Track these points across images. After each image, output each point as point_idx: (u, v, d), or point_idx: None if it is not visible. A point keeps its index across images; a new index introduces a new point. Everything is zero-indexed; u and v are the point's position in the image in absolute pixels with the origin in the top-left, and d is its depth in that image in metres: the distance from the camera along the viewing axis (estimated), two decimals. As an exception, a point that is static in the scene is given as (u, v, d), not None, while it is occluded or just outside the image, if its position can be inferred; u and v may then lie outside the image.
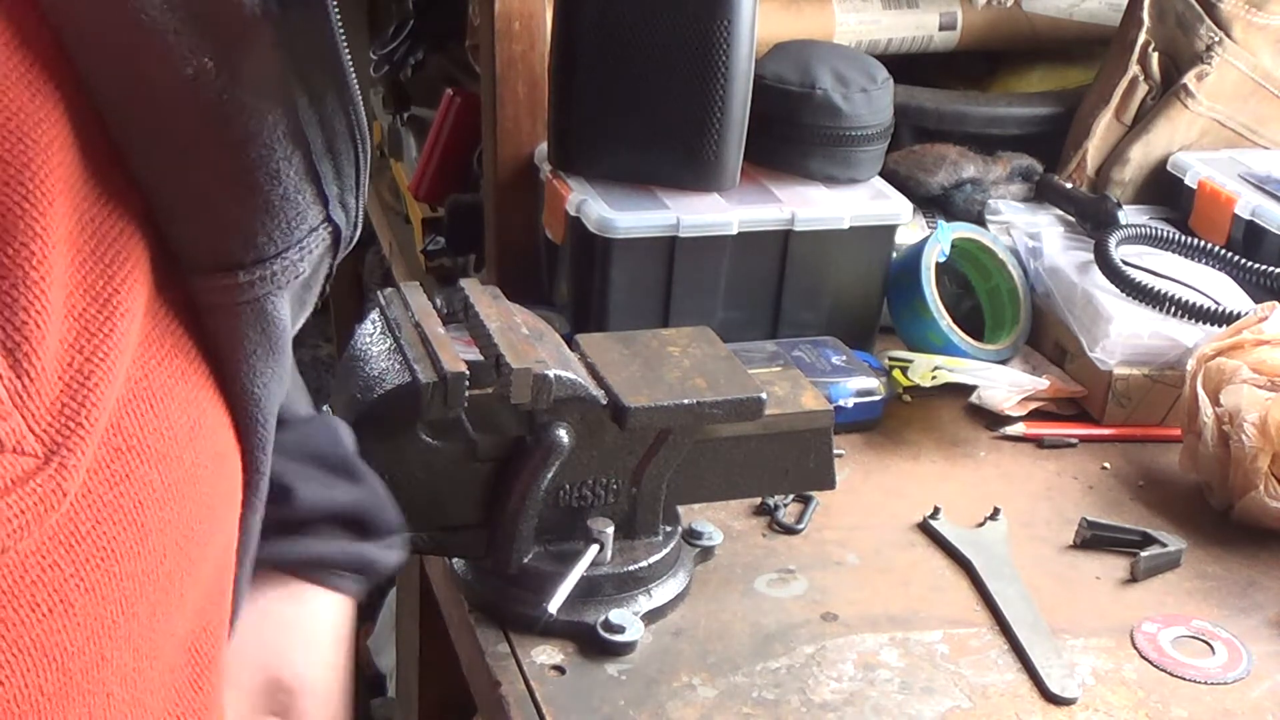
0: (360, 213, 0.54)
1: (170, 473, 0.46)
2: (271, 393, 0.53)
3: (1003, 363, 1.23)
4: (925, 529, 1.04)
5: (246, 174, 0.47)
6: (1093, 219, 1.33)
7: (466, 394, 0.84)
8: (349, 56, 0.49)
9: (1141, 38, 1.40)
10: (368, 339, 0.91)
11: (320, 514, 0.74)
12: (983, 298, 1.31)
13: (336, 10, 0.48)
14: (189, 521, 0.48)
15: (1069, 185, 1.39)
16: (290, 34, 0.47)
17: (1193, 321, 1.18)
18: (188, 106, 0.45)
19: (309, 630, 0.76)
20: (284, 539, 0.72)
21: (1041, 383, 1.18)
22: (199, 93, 0.45)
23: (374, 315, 0.93)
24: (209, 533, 0.50)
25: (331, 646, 0.77)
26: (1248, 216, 1.29)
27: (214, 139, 0.47)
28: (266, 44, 0.46)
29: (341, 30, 0.49)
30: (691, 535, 0.99)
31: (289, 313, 0.53)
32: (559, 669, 0.87)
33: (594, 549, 0.90)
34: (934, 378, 1.14)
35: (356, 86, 0.50)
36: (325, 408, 0.83)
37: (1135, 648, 0.92)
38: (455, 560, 0.94)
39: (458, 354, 0.86)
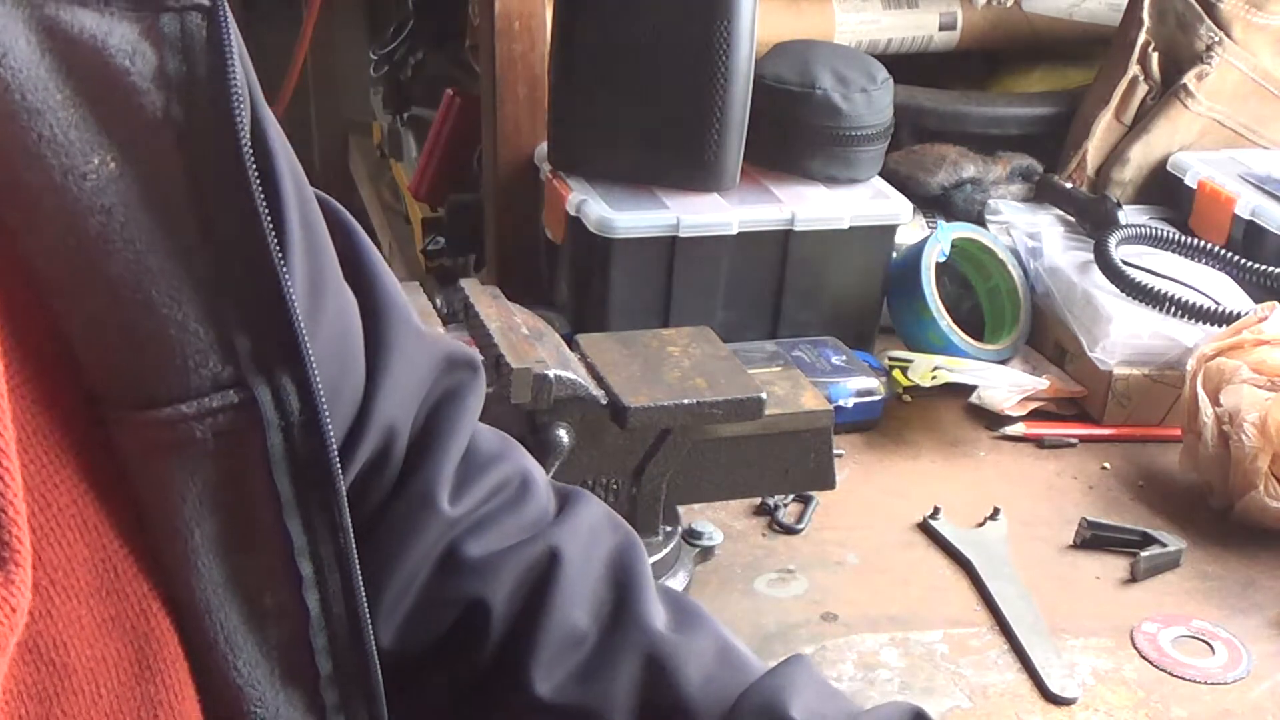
0: (314, 406, 0.47)
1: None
2: (215, 552, 0.48)
3: (1003, 363, 1.23)
4: (925, 529, 1.04)
5: (125, 292, 0.43)
6: (1093, 219, 1.33)
7: (466, 394, 0.84)
8: (259, 184, 0.45)
9: (1141, 38, 1.40)
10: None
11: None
12: (983, 298, 1.31)
13: (246, 130, 0.45)
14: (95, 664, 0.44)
15: (1069, 185, 1.39)
16: (195, 146, 0.44)
17: (1193, 321, 1.18)
18: (73, 211, 0.42)
19: None
20: None
21: (1041, 383, 1.18)
22: (86, 197, 0.42)
23: (374, 315, 0.93)
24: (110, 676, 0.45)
25: None
26: (1248, 216, 1.29)
27: (95, 255, 0.43)
28: (168, 147, 0.43)
29: (250, 154, 0.45)
30: (691, 535, 0.99)
31: (220, 481, 0.47)
32: (559, 669, 0.87)
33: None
34: (934, 378, 1.14)
35: (266, 219, 0.45)
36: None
37: (1135, 648, 0.92)
38: (455, 560, 0.94)
39: (458, 354, 0.86)
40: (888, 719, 0.61)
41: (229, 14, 0.45)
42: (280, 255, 0.46)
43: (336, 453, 0.49)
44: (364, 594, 0.51)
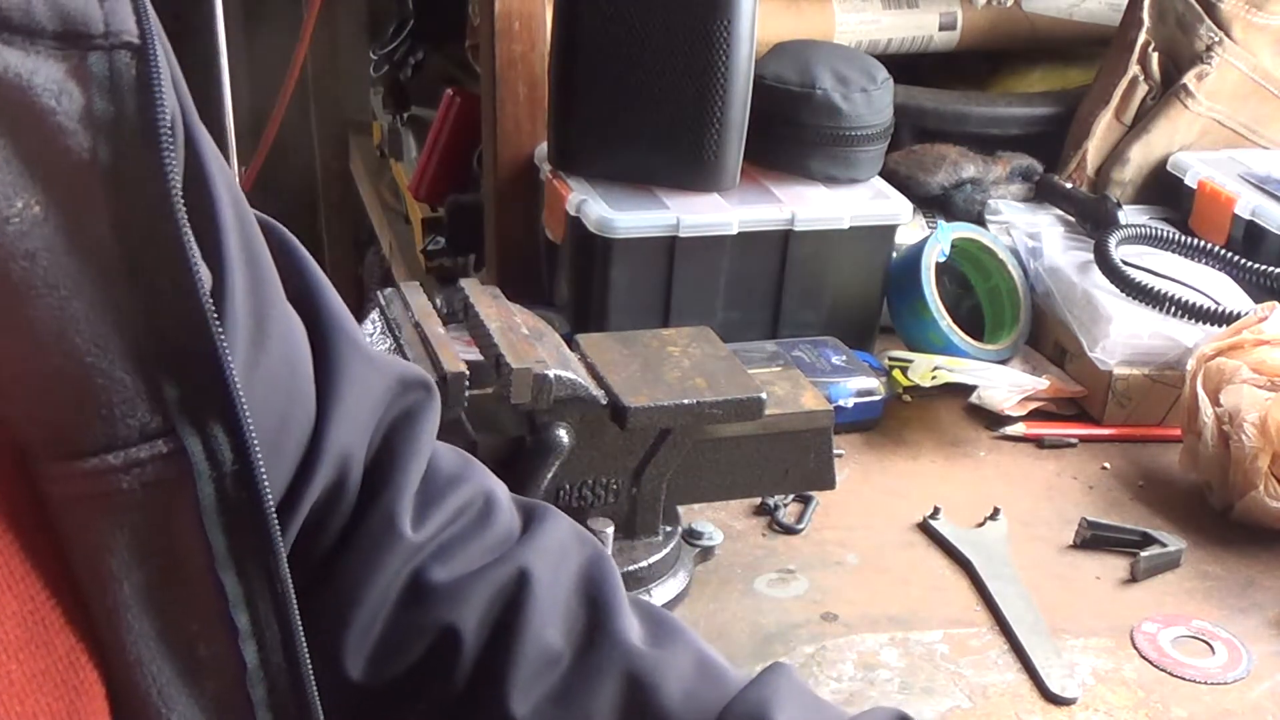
0: (247, 456, 0.46)
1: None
2: (144, 604, 0.46)
3: (1003, 363, 1.23)
4: (925, 529, 1.04)
5: (48, 340, 0.42)
6: (1093, 219, 1.33)
7: (466, 394, 0.84)
8: (187, 226, 0.43)
9: (1141, 38, 1.40)
10: (368, 339, 0.91)
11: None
12: (983, 298, 1.31)
13: (177, 172, 0.43)
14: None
15: (1069, 185, 1.39)
16: (123, 188, 0.42)
17: (1193, 321, 1.18)
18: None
19: None
20: None
21: (1041, 383, 1.18)
22: (9, 242, 0.41)
23: (374, 315, 0.93)
24: None
25: None
26: (1248, 216, 1.29)
27: (16, 301, 0.41)
28: (95, 190, 0.42)
29: (180, 192, 0.43)
30: (691, 535, 0.99)
31: (148, 533, 0.45)
32: (559, 669, 0.87)
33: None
34: (934, 378, 1.14)
35: (195, 264, 0.44)
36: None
37: (1135, 648, 0.92)
38: (455, 560, 0.94)
39: (458, 354, 0.86)
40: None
41: (159, 51, 0.44)
42: (210, 301, 0.45)
43: (272, 503, 0.48)
44: (304, 643, 0.50)
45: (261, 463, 0.47)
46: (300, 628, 0.50)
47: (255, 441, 0.47)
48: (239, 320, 0.49)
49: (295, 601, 0.50)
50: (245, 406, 0.46)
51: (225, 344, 0.45)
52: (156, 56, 0.43)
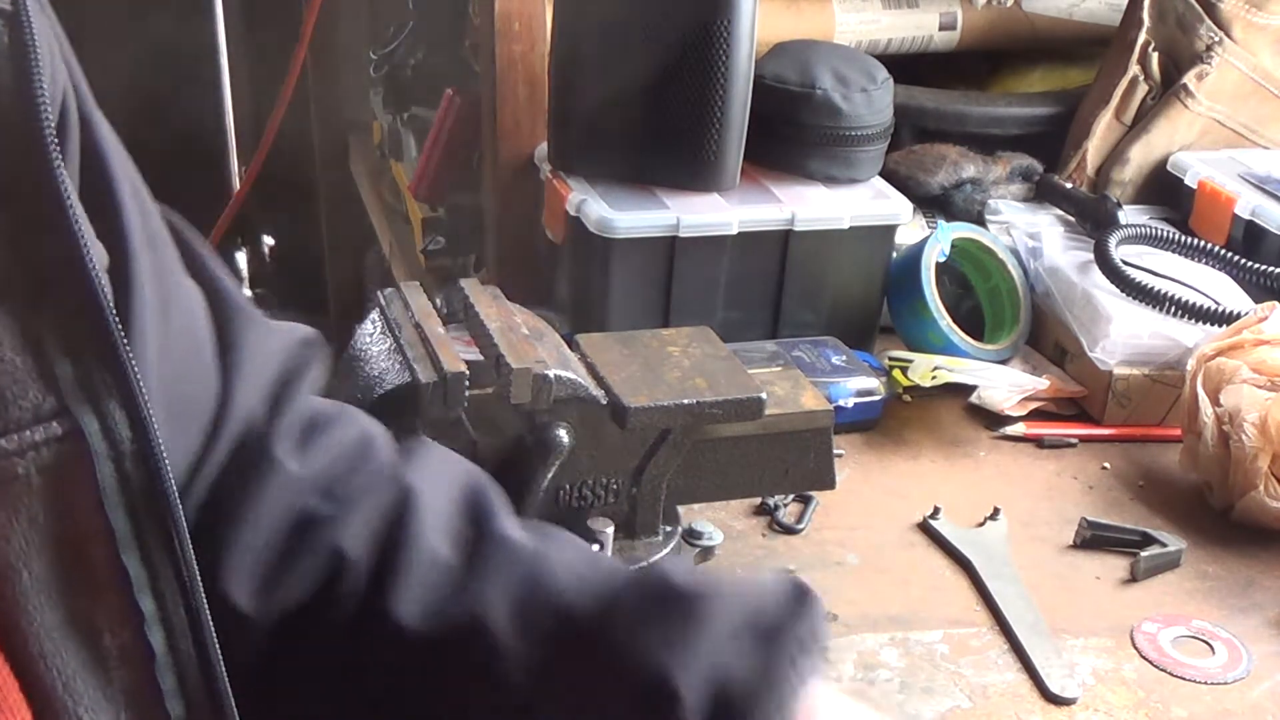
0: (145, 434, 0.45)
1: None
2: (47, 594, 0.45)
3: (1003, 363, 1.23)
4: (925, 529, 1.04)
5: None
6: (1093, 219, 1.33)
7: (466, 394, 0.84)
8: (70, 195, 0.42)
9: (1141, 38, 1.40)
10: (368, 339, 0.91)
11: (730, 647, 0.61)
12: (983, 298, 1.31)
13: (54, 141, 0.42)
14: None
15: (1069, 185, 1.39)
16: (1, 159, 0.41)
17: (1193, 321, 1.18)
18: None
19: None
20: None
21: (1041, 383, 1.18)
22: None
23: (374, 315, 0.93)
24: None
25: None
26: (1248, 216, 1.29)
27: None
28: None
29: (59, 159, 0.42)
30: (691, 535, 0.98)
31: (48, 518, 0.44)
32: (559, 669, 0.87)
33: (594, 549, 0.90)
34: (934, 378, 1.14)
35: (82, 238, 0.43)
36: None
37: (1135, 648, 0.92)
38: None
39: (458, 354, 0.86)
40: (766, 588, 0.63)
41: (32, 18, 0.43)
42: (104, 276, 0.44)
43: (173, 481, 0.47)
44: (213, 629, 0.49)
45: (160, 440, 0.46)
46: (208, 613, 0.49)
47: (153, 418, 0.45)
48: (146, 299, 0.48)
49: (201, 585, 0.49)
50: (142, 383, 0.45)
51: (119, 321, 0.44)
52: (30, 23, 0.42)
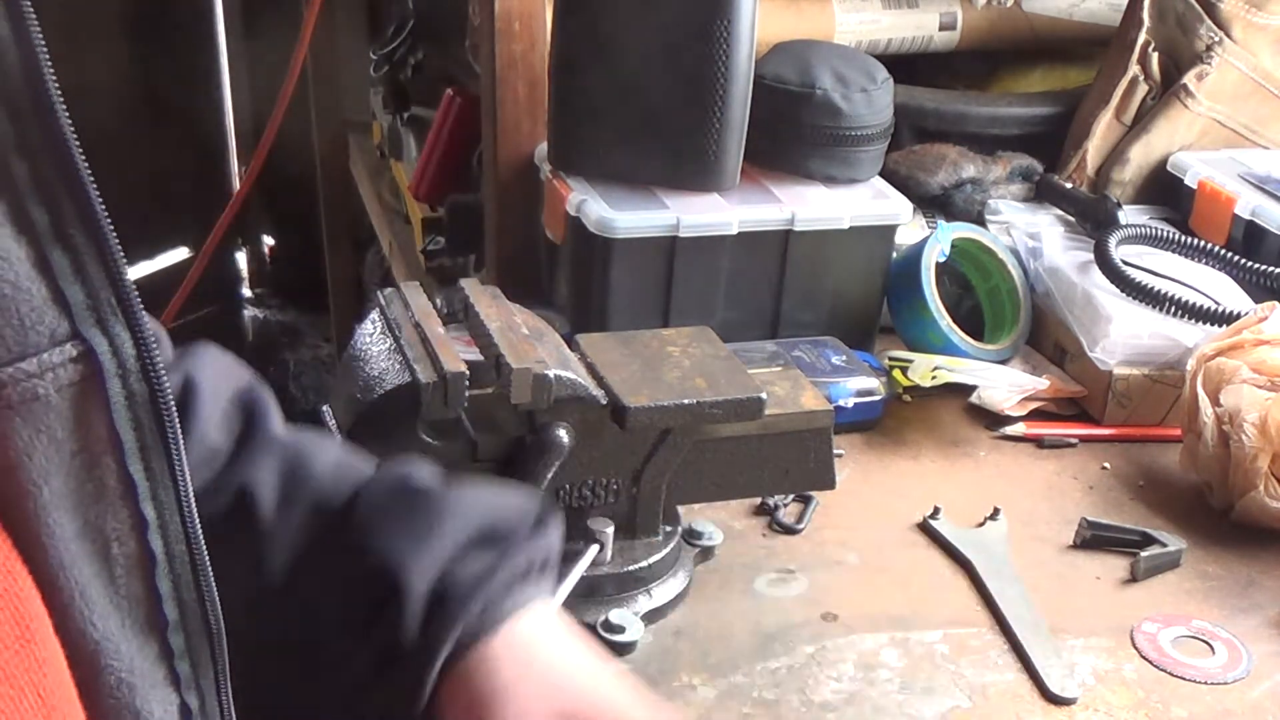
0: (147, 351, 0.48)
1: None
2: (65, 508, 0.48)
3: (1003, 363, 1.23)
4: (925, 529, 1.04)
5: None
6: (1093, 219, 1.33)
7: (466, 394, 0.84)
8: (76, 141, 0.46)
9: (1141, 38, 1.40)
10: (368, 339, 0.91)
11: (460, 549, 0.66)
12: (983, 298, 1.31)
13: (58, 91, 0.45)
14: None
15: (1069, 185, 1.39)
16: (7, 104, 0.44)
17: (1193, 321, 1.18)
18: None
19: (546, 659, 0.66)
20: (431, 628, 0.64)
21: (1041, 383, 1.18)
22: None
23: (374, 315, 0.93)
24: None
25: (573, 653, 0.67)
26: (1248, 216, 1.29)
27: None
28: None
29: (65, 110, 0.45)
30: (691, 535, 0.99)
31: (66, 434, 0.47)
32: (559, 669, 0.87)
33: (594, 549, 0.90)
34: (934, 378, 1.14)
35: (87, 172, 0.46)
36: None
37: (1135, 648, 0.92)
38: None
39: (458, 354, 0.86)
40: (509, 501, 0.68)
41: None
42: (101, 206, 0.47)
43: (171, 394, 0.50)
44: (200, 532, 0.52)
45: (160, 357, 0.49)
46: (197, 519, 0.52)
47: (152, 338, 0.49)
48: None
49: (191, 490, 0.52)
50: (140, 304, 0.48)
51: (121, 250, 0.48)
52: None
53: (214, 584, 0.53)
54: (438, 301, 1.06)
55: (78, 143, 0.46)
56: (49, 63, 0.45)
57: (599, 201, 1.18)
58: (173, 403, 0.50)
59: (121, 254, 0.48)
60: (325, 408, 0.90)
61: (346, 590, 0.65)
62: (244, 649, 0.57)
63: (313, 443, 0.70)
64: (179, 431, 0.51)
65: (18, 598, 0.46)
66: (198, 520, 0.52)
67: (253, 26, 2.92)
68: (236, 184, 2.99)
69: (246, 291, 3.33)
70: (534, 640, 0.65)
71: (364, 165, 2.32)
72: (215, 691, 0.55)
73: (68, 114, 0.46)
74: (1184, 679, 0.89)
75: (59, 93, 0.45)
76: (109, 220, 0.47)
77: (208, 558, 0.53)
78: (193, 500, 0.52)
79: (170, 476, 0.51)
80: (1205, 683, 0.89)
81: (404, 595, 0.63)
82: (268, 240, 3.31)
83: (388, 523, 0.66)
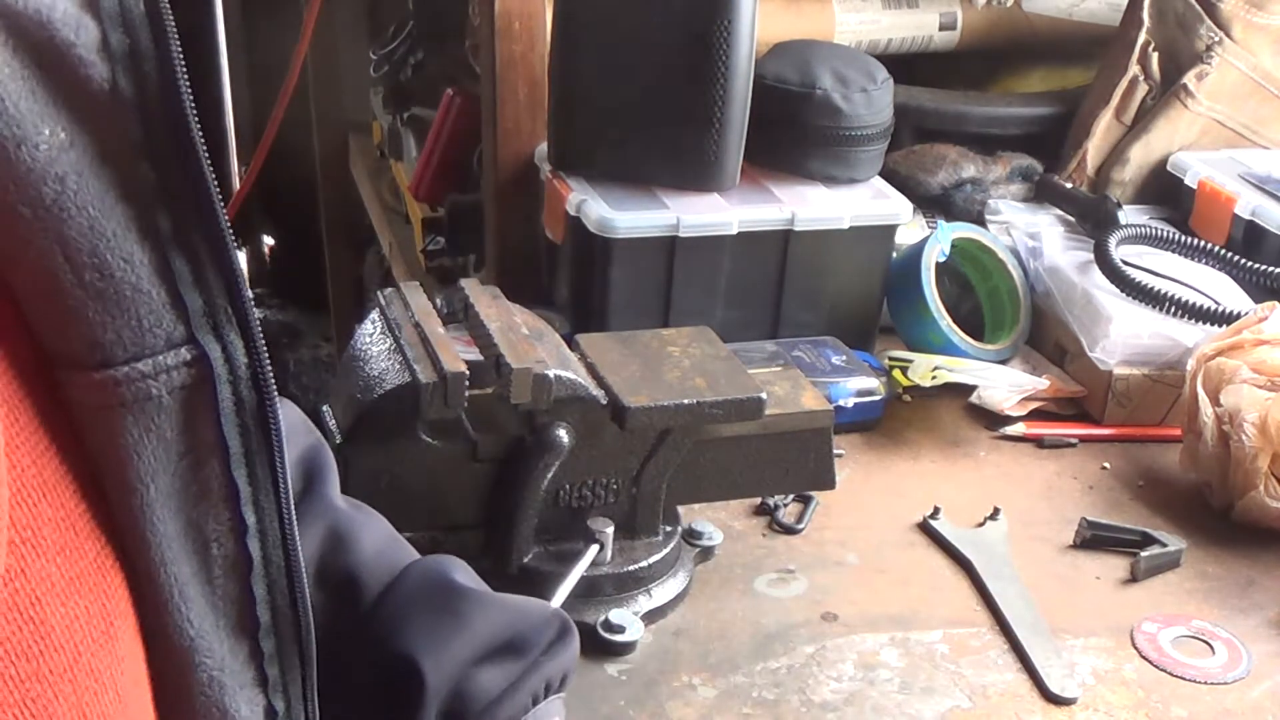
0: (259, 360, 0.50)
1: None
2: (169, 507, 0.49)
3: (1003, 363, 1.23)
4: (925, 529, 1.04)
5: (81, 257, 0.45)
6: (1093, 219, 1.33)
7: (466, 394, 0.84)
8: (206, 150, 0.47)
9: (1141, 38, 1.40)
10: (368, 339, 0.91)
11: (482, 654, 0.68)
12: (983, 298, 1.31)
13: (191, 99, 0.46)
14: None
15: (1069, 185, 1.39)
16: (143, 114, 0.45)
17: (1193, 321, 1.18)
18: (26, 181, 0.43)
19: None
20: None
21: (1041, 383, 1.18)
22: (39, 167, 0.43)
23: (374, 315, 0.93)
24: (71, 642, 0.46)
25: None
26: (1248, 216, 1.29)
27: (50, 221, 0.44)
28: (116, 120, 0.45)
29: (196, 119, 0.46)
30: (691, 535, 0.99)
31: (174, 435, 0.48)
32: (559, 669, 0.87)
33: (594, 549, 0.90)
34: (934, 378, 1.14)
35: (214, 182, 0.48)
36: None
37: (1135, 648, 0.92)
38: (455, 560, 0.94)
39: (458, 354, 0.86)
40: (533, 615, 0.70)
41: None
42: (224, 217, 0.48)
43: (278, 405, 0.51)
44: (298, 538, 0.53)
45: (270, 366, 0.50)
46: (295, 524, 0.53)
47: (264, 348, 0.50)
48: None
49: (292, 499, 0.53)
50: (255, 312, 0.50)
51: (238, 260, 0.49)
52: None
53: (307, 593, 0.54)
54: (438, 301, 1.06)
55: (206, 153, 0.47)
56: (185, 73, 0.46)
57: (599, 201, 1.18)
58: (280, 413, 0.51)
59: (240, 264, 0.49)
60: (325, 408, 0.90)
61: (368, 675, 0.67)
62: None
63: (362, 522, 0.72)
64: (284, 440, 0.52)
65: (105, 593, 0.47)
66: (296, 529, 0.53)
67: (253, 26, 2.92)
68: (236, 184, 2.99)
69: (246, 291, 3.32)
70: None
71: (364, 165, 2.32)
72: (301, 698, 0.56)
73: (200, 124, 0.47)
74: (1184, 679, 0.89)
75: (193, 103, 0.46)
76: (230, 232, 0.48)
77: (304, 566, 0.54)
78: (293, 509, 0.53)
79: (272, 483, 0.52)
80: (1205, 683, 0.89)
81: (424, 690, 0.65)
82: (268, 240, 3.31)
83: (417, 615, 0.68)
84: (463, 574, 0.71)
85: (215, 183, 0.48)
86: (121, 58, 0.45)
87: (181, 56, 0.46)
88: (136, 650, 0.49)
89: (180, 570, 0.50)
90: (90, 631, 0.46)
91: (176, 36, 0.46)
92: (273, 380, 0.50)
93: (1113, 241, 1.24)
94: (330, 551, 0.69)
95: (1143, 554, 1.00)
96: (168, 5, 0.46)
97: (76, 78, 0.44)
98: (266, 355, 0.50)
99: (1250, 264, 1.25)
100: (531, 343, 0.88)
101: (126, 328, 0.46)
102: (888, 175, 1.32)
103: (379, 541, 0.72)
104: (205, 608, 0.51)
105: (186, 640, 0.50)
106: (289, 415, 0.75)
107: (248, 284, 0.49)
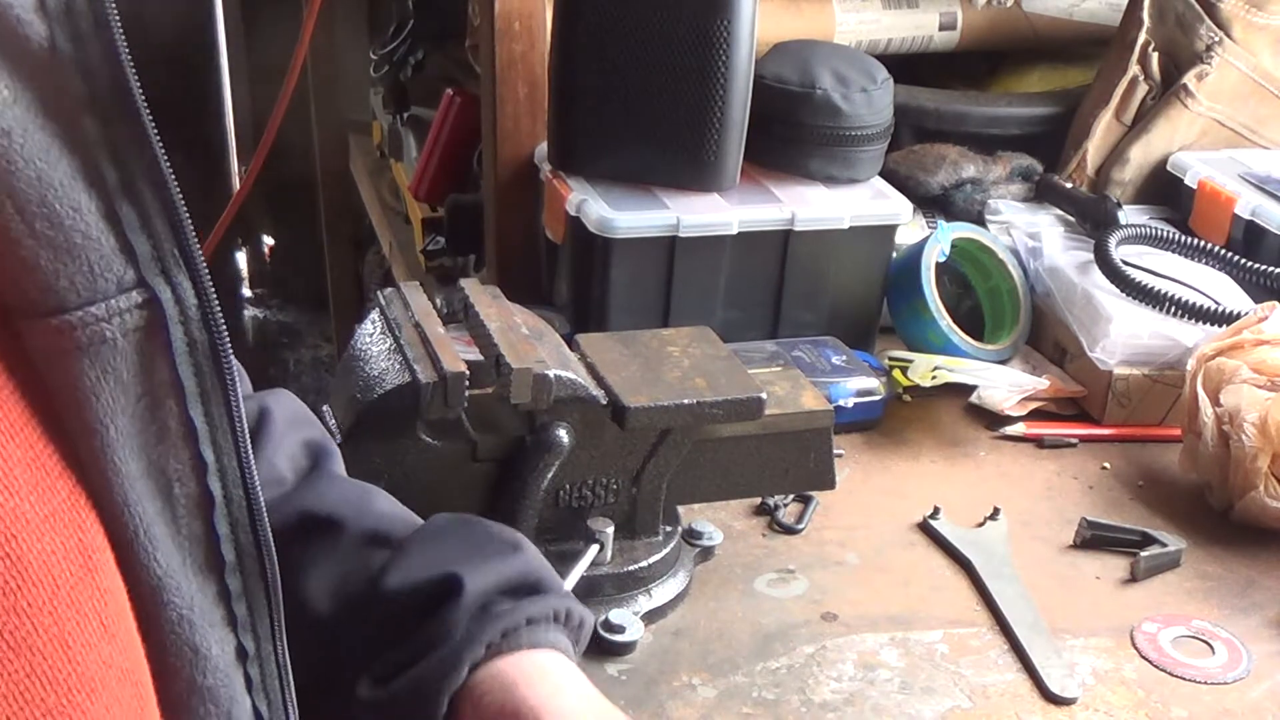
0: (208, 301, 0.51)
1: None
2: (129, 447, 0.50)
3: (1003, 363, 1.23)
4: (925, 529, 1.04)
5: (31, 207, 0.46)
6: (1093, 219, 1.33)
7: (466, 394, 0.84)
8: (144, 99, 0.49)
9: (1141, 38, 1.40)
10: (368, 339, 0.91)
11: (494, 590, 0.69)
12: (983, 298, 1.31)
13: (128, 53, 0.48)
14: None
15: (1069, 185, 1.39)
16: (83, 69, 0.47)
17: (1193, 321, 1.18)
18: None
19: (580, 688, 0.67)
20: (475, 623, 0.67)
21: (1041, 383, 1.18)
22: None
23: (374, 315, 0.93)
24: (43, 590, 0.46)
25: (582, 699, 0.67)
26: (1248, 216, 1.29)
27: (1, 174, 0.45)
28: (57, 76, 0.46)
29: (134, 71, 0.48)
30: (691, 535, 0.99)
31: (130, 377, 0.49)
32: (559, 669, 0.87)
33: (594, 549, 0.90)
34: (934, 378, 1.14)
35: (154, 130, 0.49)
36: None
37: (1135, 648, 0.92)
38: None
39: (458, 354, 0.86)
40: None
41: None
42: (166, 164, 0.49)
43: (230, 345, 0.52)
44: (256, 475, 0.54)
45: (219, 306, 0.51)
46: (253, 463, 0.54)
47: (212, 289, 0.51)
48: None
49: (249, 438, 0.54)
50: (202, 258, 0.51)
51: (184, 205, 0.50)
52: None
53: (269, 529, 0.55)
54: (438, 301, 1.06)
55: (146, 105, 0.48)
56: (120, 28, 0.47)
57: (599, 201, 1.18)
58: (231, 351, 0.52)
59: (185, 210, 0.50)
60: (325, 408, 0.90)
61: (397, 608, 0.68)
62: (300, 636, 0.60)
63: (374, 490, 0.75)
64: (236, 379, 0.53)
65: (81, 528, 0.48)
66: (254, 465, 0.54)
67: (253, 26, 2.92)
68: (236, 184, 2.99)
69: (246, 291, 3.33)
70: (567, 670, 0.68)
71: (364, 165, 2.32)
72: (270, 637, 0.57)
73: (137, 76, 0.48)
74: (1184, 679, 0.89)
75: (130, 57, 0.48)
76: (173, 178, 0.50)
77: (263, 503, 0.55)
78: (249, 446, 0.54)
79: (229, 422, 0.53)
80: (1205, 683, 0.89)
81: (463, 592, 0.67)
82: (268, 240, 3.31)
83: (452, 538, 0.71)
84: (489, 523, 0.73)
85: (157, 133, 0.49)
86: (58, 16, 0.46)
87: (116, 12, 0.47)
88: (119, 584, 0.50)
89: (145, 509, 0.51)
90: (68, 566, 0.47)
91: None
92: (223, 320, 0.52)
93: (1113, 241, 1.24)
94: (354, 511, 0.72)
95: (1143, 554, 1.00)
96: None
97: (15, 36, 0.45)
98: (215, 296, 0.51)
99: (1250, 264, 1.25)
100: (531, 343, 0.88)
101: (79, 273, 0.47)
102: (888, 175, 1.32)
103: (394, 506, 0.75)
104: (171, 547, 0.52)
105: (155, 579, 0.51)
106: (295, 405, 0.78)
107: (193, 229, 0.51)
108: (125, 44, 0.48)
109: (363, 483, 0.76)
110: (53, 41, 0.46)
